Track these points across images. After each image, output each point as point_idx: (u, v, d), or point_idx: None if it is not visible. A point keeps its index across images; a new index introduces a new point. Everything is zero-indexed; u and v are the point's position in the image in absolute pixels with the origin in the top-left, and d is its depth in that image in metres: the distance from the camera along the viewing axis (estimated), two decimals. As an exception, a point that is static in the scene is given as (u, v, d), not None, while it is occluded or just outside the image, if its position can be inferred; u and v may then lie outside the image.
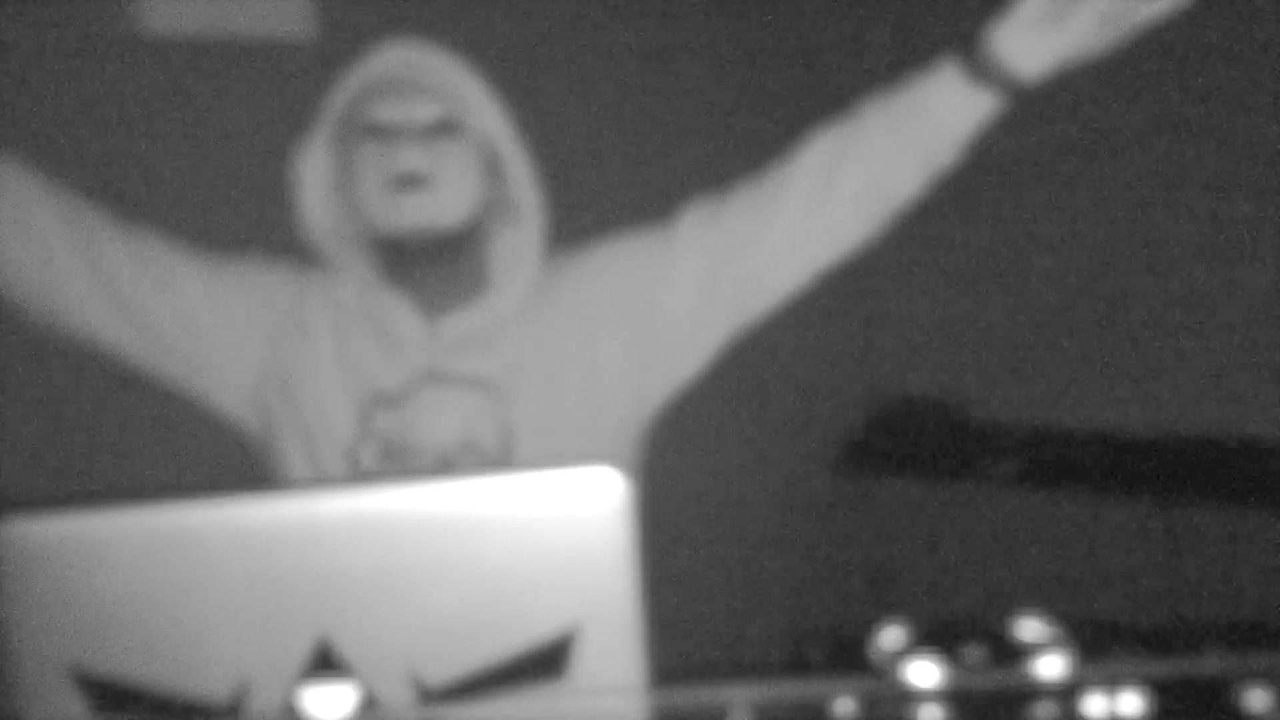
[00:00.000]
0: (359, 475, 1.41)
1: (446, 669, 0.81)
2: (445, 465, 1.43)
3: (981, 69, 1.38)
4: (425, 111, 1.42)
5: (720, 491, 2.93)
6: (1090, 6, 1.33)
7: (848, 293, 1.51)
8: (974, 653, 1.04)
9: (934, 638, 1.06)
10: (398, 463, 1.44)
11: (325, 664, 0.81)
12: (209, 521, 0.83)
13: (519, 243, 1.50)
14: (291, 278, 1.52)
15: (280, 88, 2.29)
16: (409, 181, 1.40)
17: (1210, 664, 0.97)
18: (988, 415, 3.03)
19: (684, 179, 1.65)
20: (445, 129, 1.42)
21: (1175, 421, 2.75)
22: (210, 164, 2.44)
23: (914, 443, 3.06)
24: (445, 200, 1.42)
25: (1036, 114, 1.56)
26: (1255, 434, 2.63)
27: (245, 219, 1.89)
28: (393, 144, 1.41)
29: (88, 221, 1.44)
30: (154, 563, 0.82)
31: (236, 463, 1.57)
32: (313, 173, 1.48)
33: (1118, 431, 2.81)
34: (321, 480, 1.41)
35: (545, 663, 0.80)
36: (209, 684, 0.81)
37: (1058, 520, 2.75)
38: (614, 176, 2.85)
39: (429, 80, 1.43)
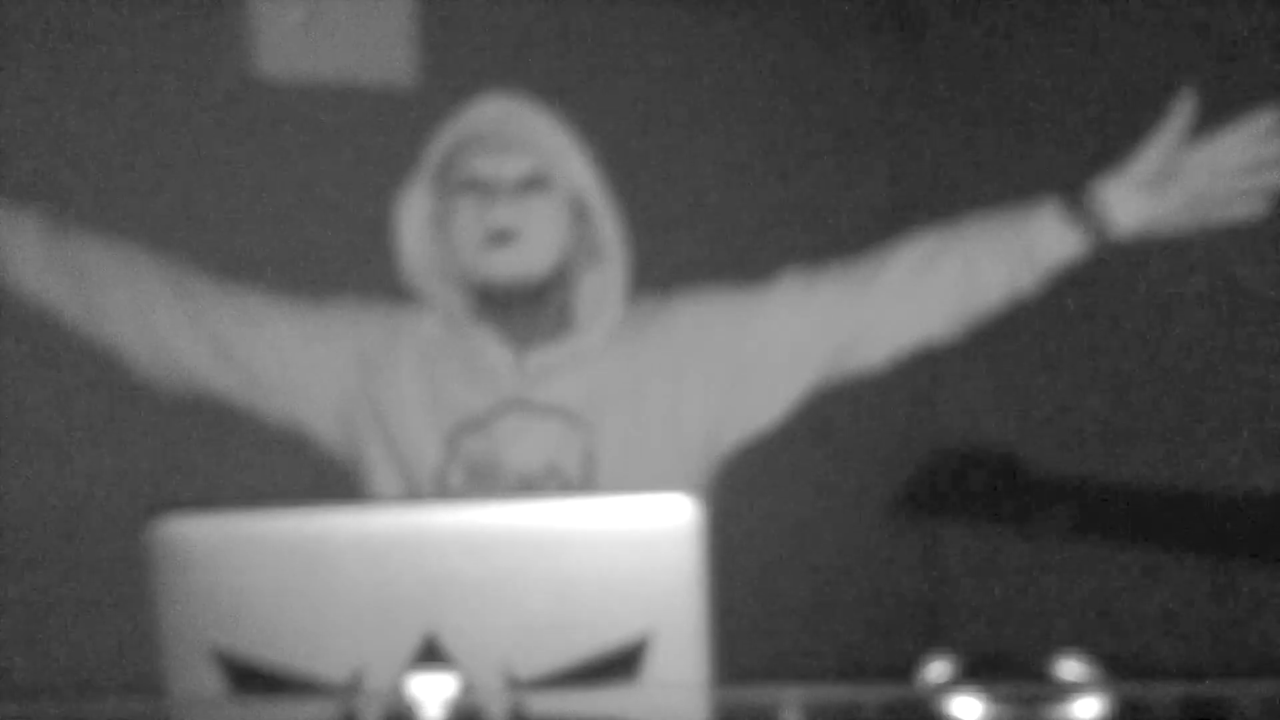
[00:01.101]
0: (451, 495, 1.53)
1: (534, 665, 0.93)
2: (529, 488, 1.54)
3: (1081, 213, 1.50)
4: (517, 166, 1.52)
5: (788, 526, 3.03)
6: (1188, 186, 1.45)
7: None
8: (1014, 689, 1.12)
9: (977, 672, 1.15)
10: (483, 485, 1.54)
11: (431, 656, 0.94)
12: (335, 527, 0.96)
13: (604, 283, 1.60)
14: (383, 314, 1.63)
15: (384, 132, 2.44)
16: (500, 237, 1.51)
17: (1233, 698, 1.03)
18: (1042, 468, 3.10)
19: (770, 244, 1.77)
20: (536, 184, 1.53)
21: (1222, 479, 2.80)
22: (314, 202, 2.61)
23: (971, 491, 3.14)
24: (533, 253, 1.53)
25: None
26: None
27: (344, 255, 2.04)
28: (487, 198, 1.52)
29: (190, 282, 1.58)
30: (287, 561, 0.95)
31: (332, 484, 1.71)
32: (412, 216, 1.60)
33: (1167, 487, 2.88)
34: (431, 497, 1.52)
35: (620, 664, 0.92)
36: (330, 668, 0.94)
37: (1106, 570, 2.82)
38: (701, 231, 2.99)
39: (521, 134, 1.54)
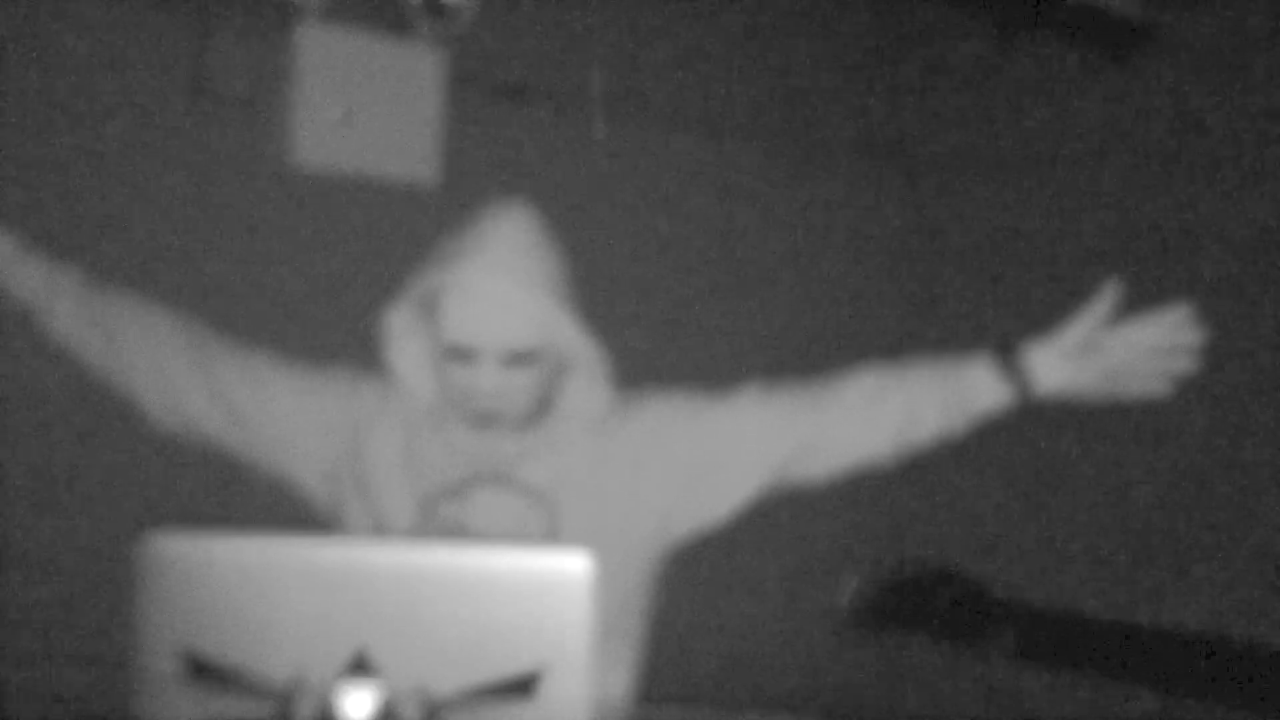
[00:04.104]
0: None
1: (447, 683, 1.10)
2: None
3: (1011, 371, 1.65)
4: (501, 344, 1.58)
5: (741, 621, 3.16)
6: (1106, 361, 1.61)
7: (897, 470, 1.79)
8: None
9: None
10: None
11: (360, 668, 1.11)
12: (292, 553, 1.14)
13: (584, 388, 1.72)
14: (375, 385, 1.75)
15: (404, 225, 2.65)
16: (485, 419, 1.64)
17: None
18: (1000, 592, 3.24)
19: (736, 360, 1.92)
20: (520, 360, 1.60)
21: (1180, 619, 2.93)
22: (329, 282, 2.83)
23: (929, 607, 3.27)
24: (515, 418, 1.66)
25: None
26: (1259, 640, 2.79)
27: (349, 332, 2.23)
28: (472, 370, 1.60)
29: (207, 345, 1.75)
30: (249, 577, 1.13)
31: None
32: (398, 331, 1.70)
33: (1124, 622, 3.00)
34: (369, 535, 1.67)
35: (519, 688, 1.09)
36: (275, 671, 1.12)
37: (1049, 693, 2.94)
38: (677, 340, 3.20)
39: (506, 312, 1.59)
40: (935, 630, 3.19)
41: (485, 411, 1.63)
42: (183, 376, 1.73)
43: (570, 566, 1.10)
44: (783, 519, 1.86)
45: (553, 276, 1.64)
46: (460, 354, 1.61)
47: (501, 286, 1.58)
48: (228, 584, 1.14)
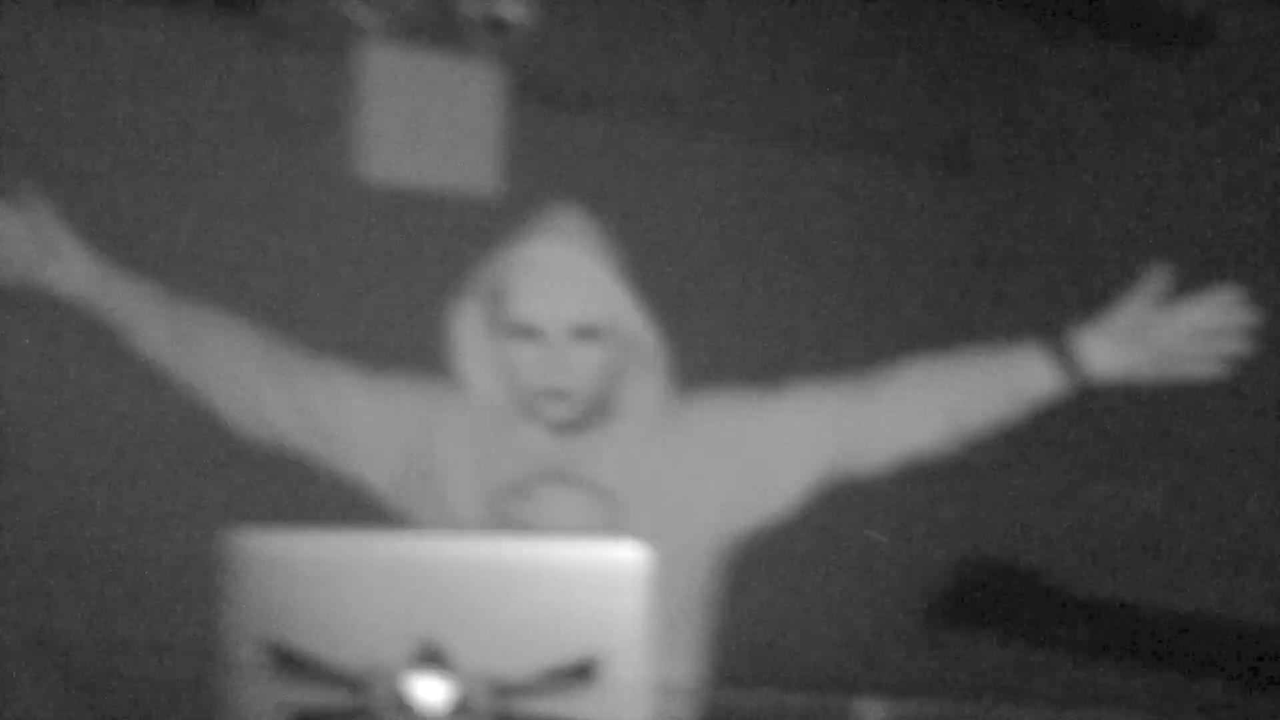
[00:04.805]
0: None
1: (513, 670, 1.16)
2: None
3: (1063, 358, 1.67)
4: (567, 317, 1.64)
5: (808, 609, 3.19)
6: (1156, 343, 1.62)
7: (958, 462, 1.81)
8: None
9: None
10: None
11: (431, 659, 1.17)
12: (367, 549, 1.21)
13: (645, 384, 1.76)
14: (442, 390, 1.79)
15: (464, 234, 2.72)
16: (553, 395, 1.67)
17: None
18: (1070, 587, 3.23)
19: (788, 355, 1.97)
20: (586, 334, 1.65)
21: (1255, 611, 2.91)
22: (395, 289, 2.92)
23: (997, 604, 3.27)
24: (581, 401, 1.69)
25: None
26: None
27: (415, 337, 2.30)
28: (540, 347, 1.65)
29: (282, 353, 1.82)
30: (326, 571, 1.20)
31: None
32: (464, 330, 1.76)
33: (1196, 616, 2.98)
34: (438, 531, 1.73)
35: (580, 673, 1.15)
36: (351, 661, 1.18)
37: (1120, 688, 2.92)
38: (729, 339, 3.24)
39: (572, 284, 1.65)
40: (1008, 628, 3.19)
41: (553, 388, 1.66)
42: (261, 384, 1.80)
43: (627, 558, 1.15)
44: (851, 510, 1.89)
45: (612, 258, 1.69)
46: (527, 331, 1.66)
47: (566, 260, 1.64)
48: (307, 579, 1.21)
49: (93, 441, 2.75)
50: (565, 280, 1.65)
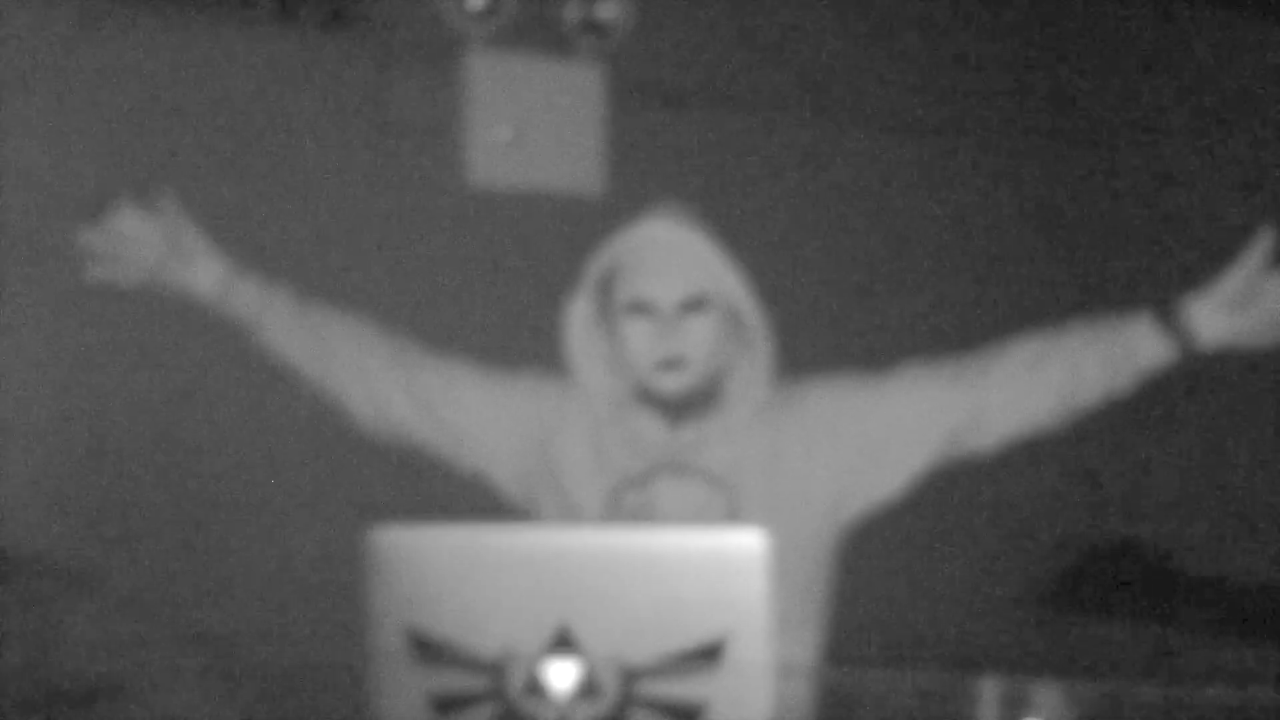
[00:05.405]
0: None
1: (642, 653, 1.22)
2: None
3: (1173, 325, 1.68)
4: (678, 289, 1.70)
5: (921, 590, 3.21)
6: (1265, 309, 1.64)
7: (1075, 440, 1.81)
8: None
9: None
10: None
11: (563, 643, 1.24)
12: (500, 541, 1.27)
13: (752, 368, 1.78)
14: (559, 387, 1.84)
15: (572, 237, 2.80)
16: (669, 364, 1.71)
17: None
18: (1191, 567, 3.18)
19: (898, 338, 1.99)
20: (696, 305, 1.71)
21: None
22: (509, 291, 3.01)
23: (1116, 586, 3.24)
24: (696, 372, 1.73)
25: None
26: None
27: (531, 338, 2.38)
28: (653, 322, 1.70)
29: (407, 352, 1.89)
30: (462, 563, 1.27)
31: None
32: (576, 323, 1.80)
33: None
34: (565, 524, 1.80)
35: (706, 655, 1.20)
36: (487, 647, 1.25)
37: (1247, 671, 2.88)
38: (837, 329, 3.27)
39: (679, 258, 1.71)
40: (1122, 608, 3.16)
41: (667, 357, 1.70)
42: (386, 382, 1.87)
43: (747, 543, 1.20)
44: (963, 491, 1.90)
45: (717, 238, 1.74)
46: (640, 307, 1.71)
47: (673, 236, 1.71)
48: (444, 570, 1.28)
49: (235, 441, 2.90)
50: (673, 255, 1.71)
